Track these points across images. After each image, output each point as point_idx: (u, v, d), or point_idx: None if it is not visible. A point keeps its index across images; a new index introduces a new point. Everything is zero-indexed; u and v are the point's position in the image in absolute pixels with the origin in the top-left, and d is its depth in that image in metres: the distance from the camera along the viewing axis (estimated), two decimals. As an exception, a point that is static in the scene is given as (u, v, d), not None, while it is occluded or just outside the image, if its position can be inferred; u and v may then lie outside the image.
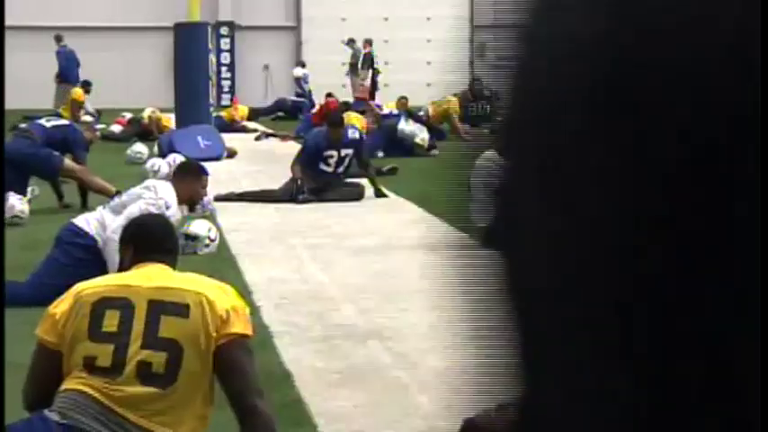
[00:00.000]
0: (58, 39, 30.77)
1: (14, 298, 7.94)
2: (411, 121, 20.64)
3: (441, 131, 22.85)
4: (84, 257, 7.99)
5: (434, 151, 19.82)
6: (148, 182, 8.33)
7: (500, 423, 4.34)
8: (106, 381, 3.91)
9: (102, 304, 3.99)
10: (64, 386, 3.96)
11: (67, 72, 30.15)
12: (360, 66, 32.04)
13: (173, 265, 4.20)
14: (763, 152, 0.53)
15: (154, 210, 7.29)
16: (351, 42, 33.91)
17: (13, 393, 5.37)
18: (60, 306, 4.04)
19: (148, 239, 4.24)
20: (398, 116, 21.20)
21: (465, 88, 26.46)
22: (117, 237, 7.73)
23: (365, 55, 32.23)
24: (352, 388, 5.93)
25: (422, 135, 19.93)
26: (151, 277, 4.07)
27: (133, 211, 7.83)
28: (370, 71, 31.91)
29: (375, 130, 20.01)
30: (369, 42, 33.13)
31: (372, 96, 29.64)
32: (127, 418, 3.89)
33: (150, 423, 3.90)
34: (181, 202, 7.98)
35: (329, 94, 26.25)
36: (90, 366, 3.94)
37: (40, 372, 4.09)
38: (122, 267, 4.26)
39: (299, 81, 33.46)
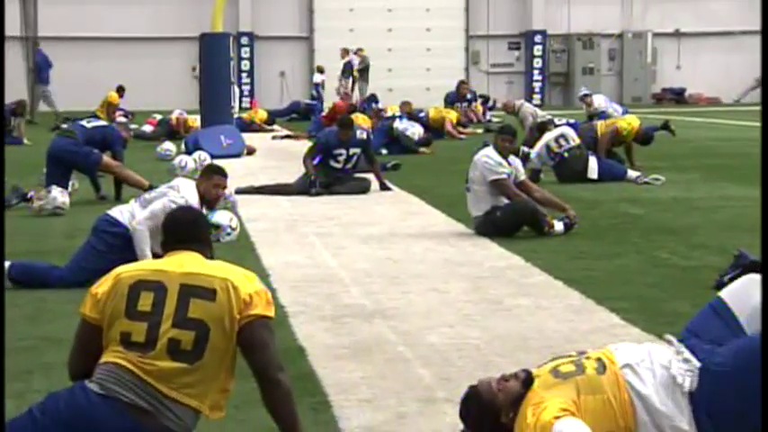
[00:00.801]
0: (35, 44, 30.44)
1: (56, 280, 7.97)
2: (405, 120, 20.63)
3: (438, 132, 22.80)
4: (116, 244, 7.99)
5: (427, 149, 19.72)
6: (174, 181, 8.33)
7: (502, 395, 4.36)
8: (140, 355, 3.92)
9: (138, 286, 4.01)
10: (103, 359, 3.98)
11: (42, 74, 29.88)
12: (341, 73, 31.80)
13: (204, 253, 4.20)
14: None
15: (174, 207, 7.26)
16: (359, 51, 33.84)
17: (57, 366, 5.40)
18: (102, 287, 4.06)
19: (177, 230, 4.25)
20: (396, 118, 21.20)
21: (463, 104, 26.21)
22: (141, 227, 7.83)
23: (345, 63, 32.00)
24: (360, 361, 5.93)
25: (412, 129, 19.90)
26: (183, 264, 4.09)
27: (156, 206, 7.84)
28: (351, 78, 31.69)
29: (378, 129, 19.91)
30: (347, 51, 32.92)
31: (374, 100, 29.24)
32: (158, 389, 3.90)
33: (179, 394, 3.92)
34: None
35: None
36: (126, 342, 3.96)
37: (82, 344, 4.11)
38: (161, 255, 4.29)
39: (317, 86, 33.43)
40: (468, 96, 26.94)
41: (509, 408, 4.30)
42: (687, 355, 4.32)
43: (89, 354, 4.04)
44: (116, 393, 3.88)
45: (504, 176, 10.01)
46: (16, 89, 27.76)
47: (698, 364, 4.27)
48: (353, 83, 31.81)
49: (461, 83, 27.36)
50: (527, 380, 4.34)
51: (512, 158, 10.25)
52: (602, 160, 14.80)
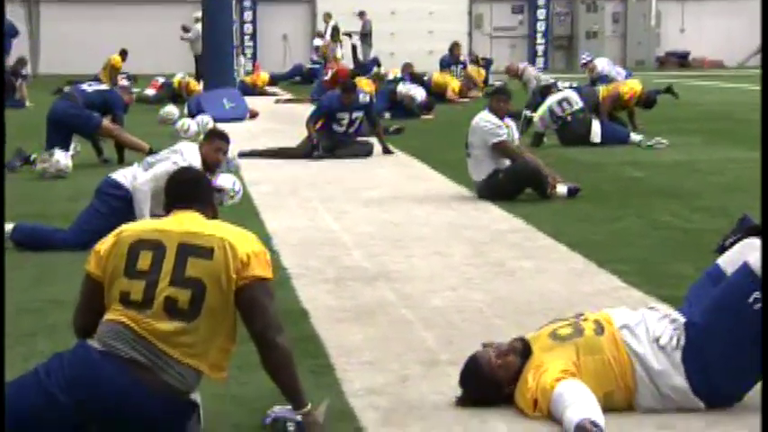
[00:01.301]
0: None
1: (59, 242, 7.99)
2: (408, 83, 20.56)
3: (440, 96, 22.72)
4: (119, 207, 8.00)
5: (429, 114, 19.67)
6: (177, 145, 8.33)
7: (502, 371, 4.38)
8: (138, 313, 3.95)
9: (138, 245, 4.03)
10: (105, 318, 4.01)
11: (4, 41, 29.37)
12: (330, 37, 31.52)
13: (205, 213, 4.21)
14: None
15: None
16: (361, 14, 33.67)
17: (62, 328, 5.42)
18: (104, 244, 4.10)
19: (178, 190, 4.27)
20: (399, 81, 21.12)
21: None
22: (144, 188, 7.84)
23: (333, 28, 31.75)
24: (362, 324, 5.95)
25: (414, 92, 19.84)
26: (182, 223, 4.10)
27: (159, 168, 7.84)
28: (338, 43, 31.46)
29: (380, 93, 19.81)
30: (329, 16, 32.65)
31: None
32: (157, 346, 3.92)
33: (178, 353, 3.93)
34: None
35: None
36: (125, 300, 3.98)
37: (86, 301, 4.14)
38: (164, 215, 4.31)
39: (317, 49, 33.31)
40: (463, 59, 26.67)
41: (510, 380, 4.37)
42: (675, 315, 4.42)
43: (93, 311, 4.08)
44: (114, 349, 3.91)
45: (505, 137, 9.98)
46: (16, 48, 27.73)
47: (683, 321, 4.36)
48: (340, 47, 31.58)
49: (455, 45, 26.94)
50: (524, 350, 4.40)
51: (507, 120, 10.21)
52: (604, 124, 14.77)
